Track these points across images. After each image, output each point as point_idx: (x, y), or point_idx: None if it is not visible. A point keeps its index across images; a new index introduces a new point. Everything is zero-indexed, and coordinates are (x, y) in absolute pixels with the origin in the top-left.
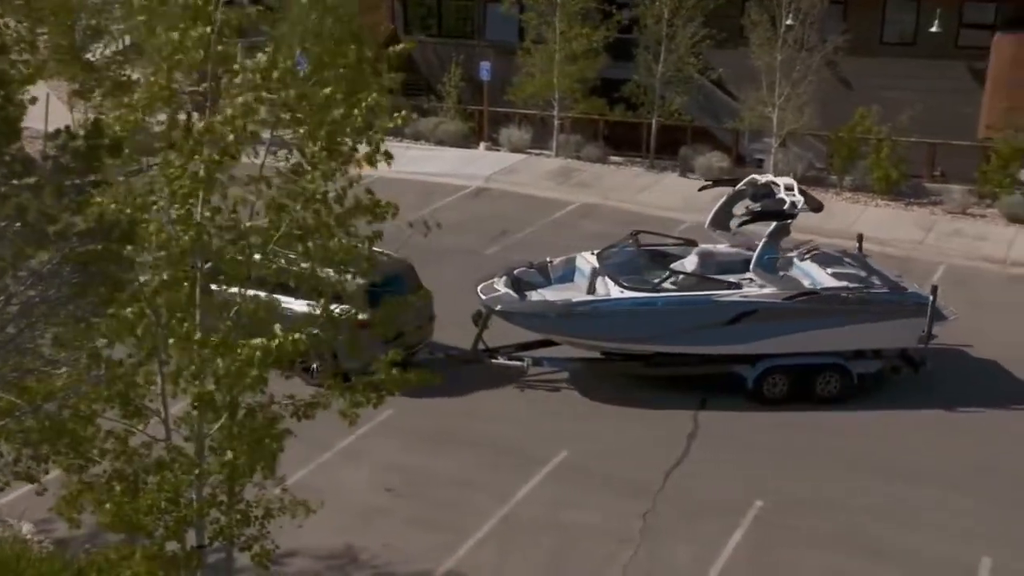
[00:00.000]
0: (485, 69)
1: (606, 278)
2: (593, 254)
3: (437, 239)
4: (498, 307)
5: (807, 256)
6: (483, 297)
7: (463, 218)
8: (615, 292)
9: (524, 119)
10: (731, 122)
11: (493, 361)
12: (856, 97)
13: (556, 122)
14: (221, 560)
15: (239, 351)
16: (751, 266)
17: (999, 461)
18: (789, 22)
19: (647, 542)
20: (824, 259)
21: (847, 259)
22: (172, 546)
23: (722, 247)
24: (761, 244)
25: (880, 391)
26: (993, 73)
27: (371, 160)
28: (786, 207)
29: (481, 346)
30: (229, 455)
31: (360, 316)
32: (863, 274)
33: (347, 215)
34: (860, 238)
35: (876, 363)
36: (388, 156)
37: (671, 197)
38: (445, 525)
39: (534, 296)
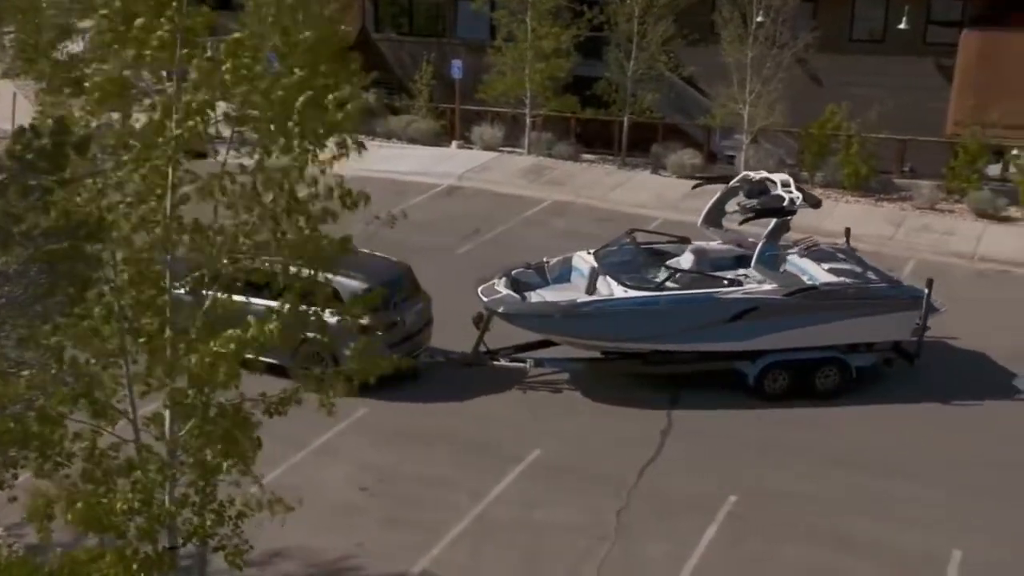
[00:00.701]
0: (457, 67)
1: (608, 278)
2: (590, 253)
3: (409, 237)
4: (501, 309)
5: (804, 253)
6: (485, 299)
7: (435, 216)
8: (619, 292)
9: (496, 117)
10: (702, 119)
11: (495, 363)
12: (826, 94)
13: (528, 120)
14: (196, 560)
15: (212, 344)
16: (752, 263)
17: (969, 454)
18: (760, 19)
19: (621, 539)
20: (819, 255)
21: (840, 254)
22: (144, 547)
23: (714, 244)
24: (762, 241)
25: (851, 386)
26: (960, 70)
27: (342, 151)
28: (785, 204)
29: (482, 348)
30: (205, 454)
31: (363, 320)
32: (859, 269)
33: (317, 208)
34: (848, 232)
35: (872, 356)
36: (361, 146)
37: (643, 194)
38: (419, 524)
39: (533, 297)
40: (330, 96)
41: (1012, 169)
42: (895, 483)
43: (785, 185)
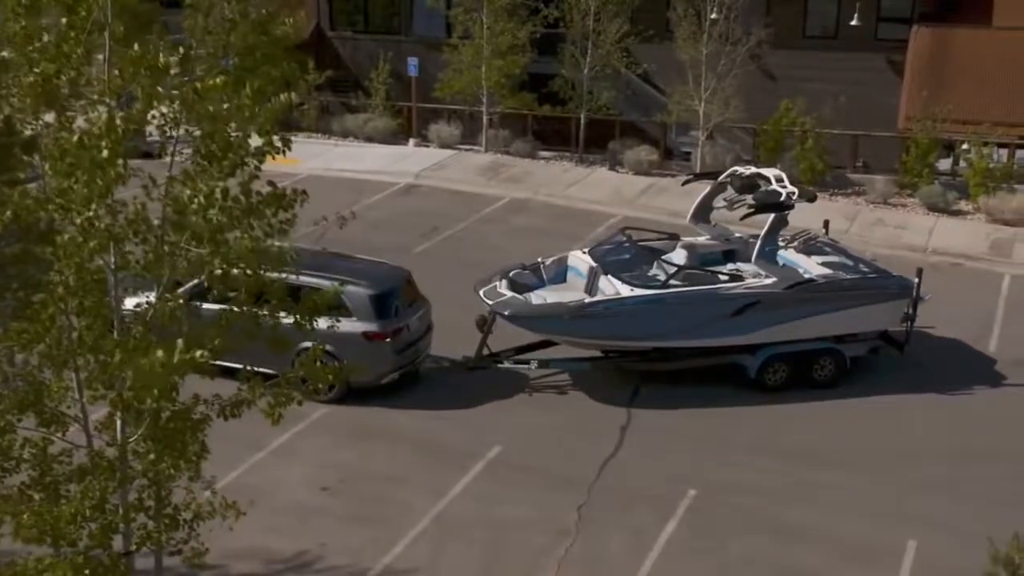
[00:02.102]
0: (413, 65)
1: (611, 277)
2: (585, 252)
3: (366, 236)
4: (508, 311)
5: (795, 247)
6: (490, 302)
7: (393, 215)
8: (625, 291)
9: (453, 115)
10: (659, 116)
11: (500, 366)
12: (780, 89)
13: (485, 118)
14: (151, 565)
15: (143, 361)
16: (753, 258)
17: (922, 446)
18: (714, 16)
19: (582, 535)
20: (807, 248)
21: (827, 248)
22: (98, 554)
23: (702, 240)
24: (762, 236)
25: (798, 381)
26: (911, 65)
27: (269, 150)
28: (782, 199)
29: (485, 351)
30: (156, 459)
31: (367, 328)
32: (850, 262)
33: (250, 210)
34: (826, 224)
35: (864, 345)
36: (286, 143)
37: (601, 191)
38: (381, 522)
39: (533, 298)
40: (248, 88)
41: (962, 164)
42: (851, 477)
43: (779, 180)
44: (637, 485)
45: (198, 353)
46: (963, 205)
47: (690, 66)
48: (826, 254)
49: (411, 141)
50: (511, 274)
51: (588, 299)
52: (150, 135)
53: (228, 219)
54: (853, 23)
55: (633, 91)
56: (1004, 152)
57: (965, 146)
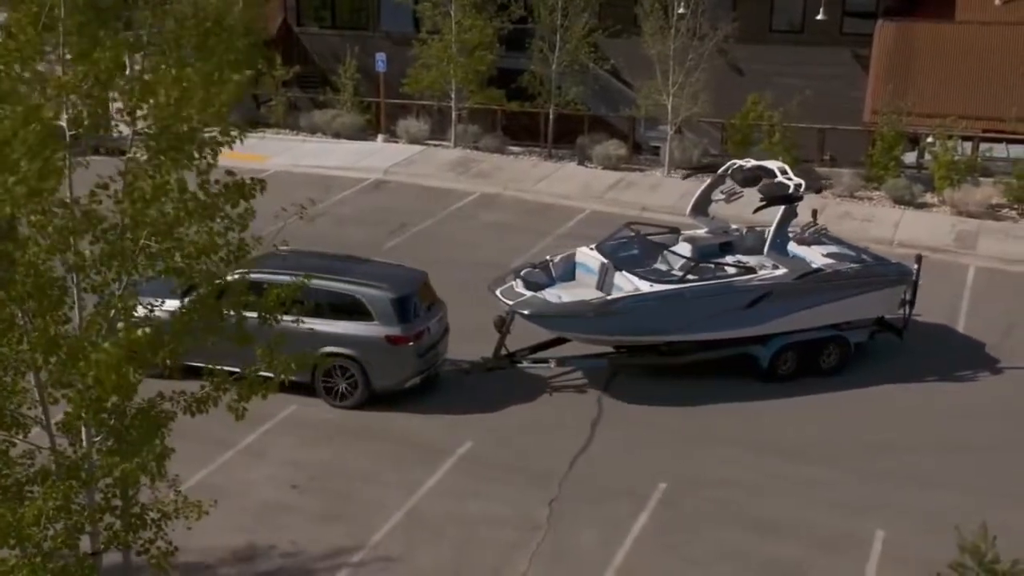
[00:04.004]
0: (381, 60)
1: (626, 273)
2: (592, 249)
3: (336, 232)
4: (529, 311)
5: (799, 238)
6: (510, 302)
7: (362, 211)
8: (645, 286)
9: (422, 111)
10: (627, 110)
11: (518, 366)
12: (748, 84)
13: (454, 113)
14: (119, 564)
15: (94, 355)
16: (765, 250)
17: (894, 438)
18: (681, 11)
19: (554, 529)
20: (804, 239)
21: (824, 238)
22: (64, 556)
23: (702, 232)
24: (773, 228)
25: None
26: (876, 59)
27: (223, 140)
28: (791, 191)
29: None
30: (115, 459)
31: (390, 332)
32: (849, 251)
33: (209, 203)
34: (815, 214)
35: (864, 331)
36: (241, 133)
37: (569, 186)
38: (351, 520)
39: (548, 296)
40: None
41: (927, 157)
42: (820, 469)
43: (783, 172)
44: (609, 479)
45: (139, 332)
46: (928, 198)
47: (658, 61)
48: (824, 244)
49: (379, 137)
50: (523, 273)
51: (612, 296)
52: (118, 132)
53: (185, 213)
54: (819, 18)
55: (601, 86)
56: (968, 145)
57: (930, 139)
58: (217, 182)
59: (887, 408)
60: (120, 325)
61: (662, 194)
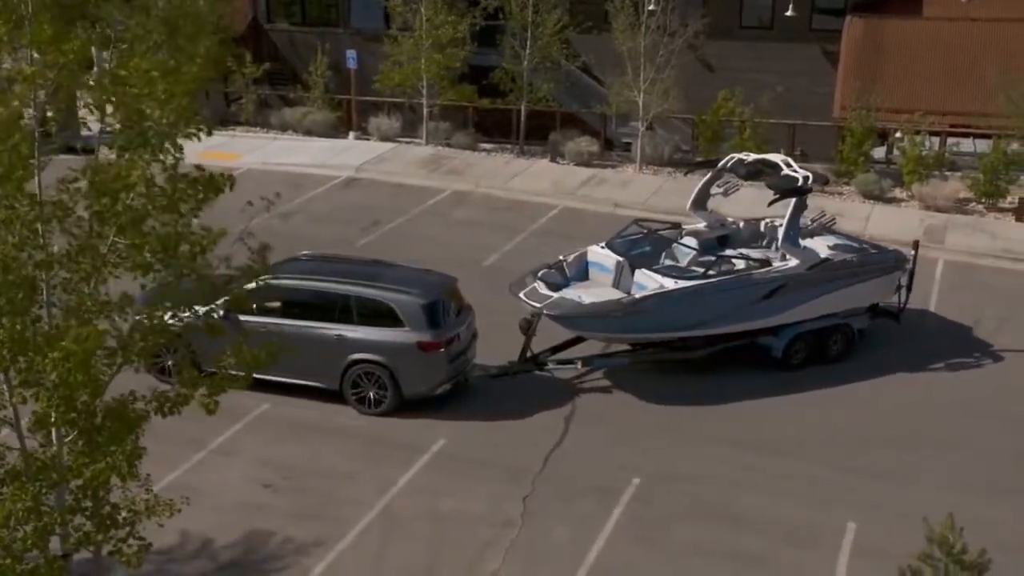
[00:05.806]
0: (351, 57)
1: (645, 270)
2: (603, 247)
3: (308, 230)
4: (557, 311)
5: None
6: (536, 304)
7: (334, 209)
8: (669, 283)
9: (393, 108)
10: (599, 107)
11: (544, 368)
12: (719, 80)
13: (425, 110)
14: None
15: (55, 353)
16: (779, 242)
17: (869, 432)
18: (651, 7)
19: (528, 525)
20: (807, 231)
21: (824, 229)
22: (33, 557)
23: (702, 226)
24: (786, 221)
25: (745, 368)
26: (845, 55)
27: (187, 132)
28: (801, 183)
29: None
30: (85, 460)
31: (421, 338)
32: (849, 241)
33: (175, 197)
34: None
35: (864, 318)
36: (207, 127)
37: (542, 182)
38: (325, 518)
39: (570, 296)
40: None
41: (896, 152)
42: (792, 463)
43: (788, 164)
44: (582, 475)
45: (100, 327)
46: (898, 192)
47: (629, 57)
48: (823, 235)
49: (351, 134)
50: (540, 274)
51: (639, 293)
52: (88, 130)
53: (152, 207)
54: (788, 14)
55: (573, 82)
56: (936, 140)
57: (898, 134)
58: (185, 176)
59: (862, 404)
60: (73, 323)
61: (634, 190)
